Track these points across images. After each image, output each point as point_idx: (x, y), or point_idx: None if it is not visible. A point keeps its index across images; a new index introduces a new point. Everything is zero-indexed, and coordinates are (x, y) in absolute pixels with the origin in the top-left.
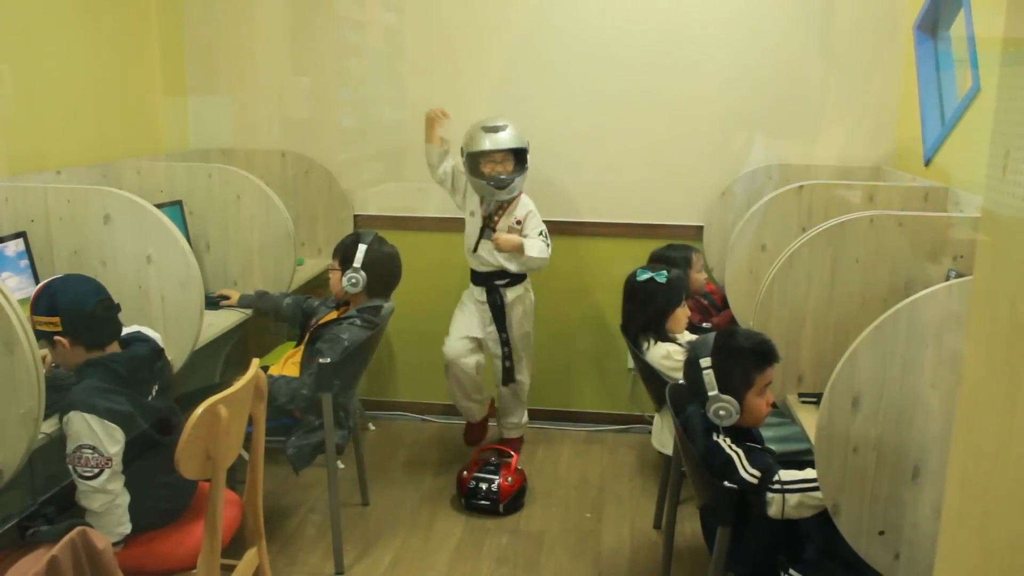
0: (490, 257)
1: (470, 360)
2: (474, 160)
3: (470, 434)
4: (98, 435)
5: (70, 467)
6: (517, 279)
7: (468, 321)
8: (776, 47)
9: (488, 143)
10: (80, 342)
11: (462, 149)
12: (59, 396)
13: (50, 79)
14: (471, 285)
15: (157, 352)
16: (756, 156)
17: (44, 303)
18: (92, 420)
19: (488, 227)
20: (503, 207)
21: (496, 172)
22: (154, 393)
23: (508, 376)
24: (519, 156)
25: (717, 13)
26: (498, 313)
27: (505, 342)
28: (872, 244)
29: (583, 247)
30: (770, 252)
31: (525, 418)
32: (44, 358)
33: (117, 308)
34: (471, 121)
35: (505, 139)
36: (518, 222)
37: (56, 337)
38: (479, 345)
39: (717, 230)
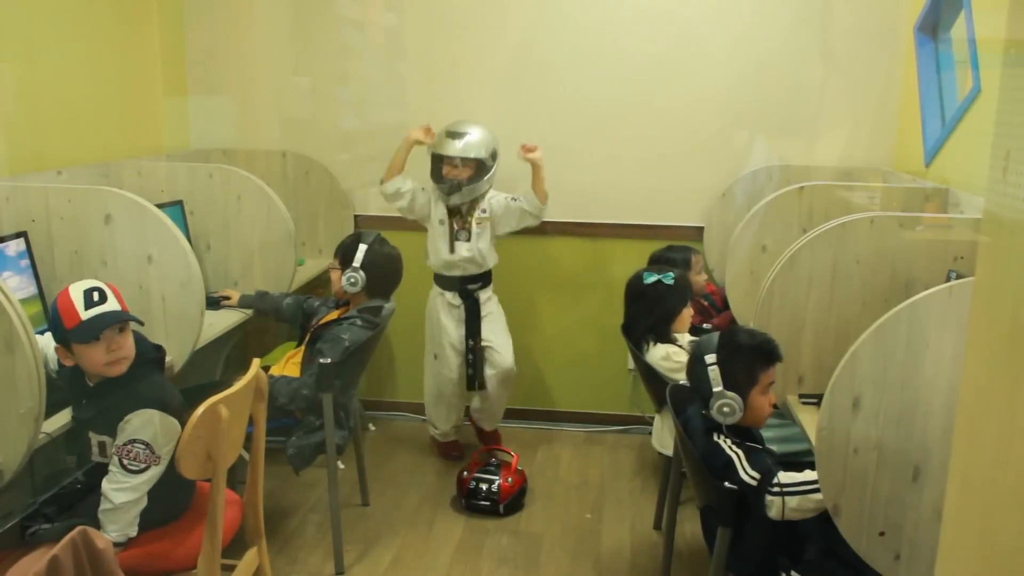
0: (468, 255)
1: (462, 382)
2: (437, 161)
3: (452, 449)
4: (159, 433)
5: (115, 458)
6: (487, 281)
7: (452, 334)
8: (777, 49)
9: (447, 147)
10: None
11: (428, 147)
12: (115, 396)
13: (51, 79)
14: (441, 292)
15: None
16: (757, 157)
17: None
18: (160, 418)
19: (462, 228)
20: (473, 204)
21: (452, 176)
22: None
23: (471, 383)
24: (479, 165)
25: (718, 15)
26: (472, 318)
27: (471, 348)
28: (873, 245)
29: (583, 248)
30: (771, 253)
31: (502, 410)
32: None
33: None
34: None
35: (461, 147)
36: (483, 211)
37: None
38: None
39: (717, 231)
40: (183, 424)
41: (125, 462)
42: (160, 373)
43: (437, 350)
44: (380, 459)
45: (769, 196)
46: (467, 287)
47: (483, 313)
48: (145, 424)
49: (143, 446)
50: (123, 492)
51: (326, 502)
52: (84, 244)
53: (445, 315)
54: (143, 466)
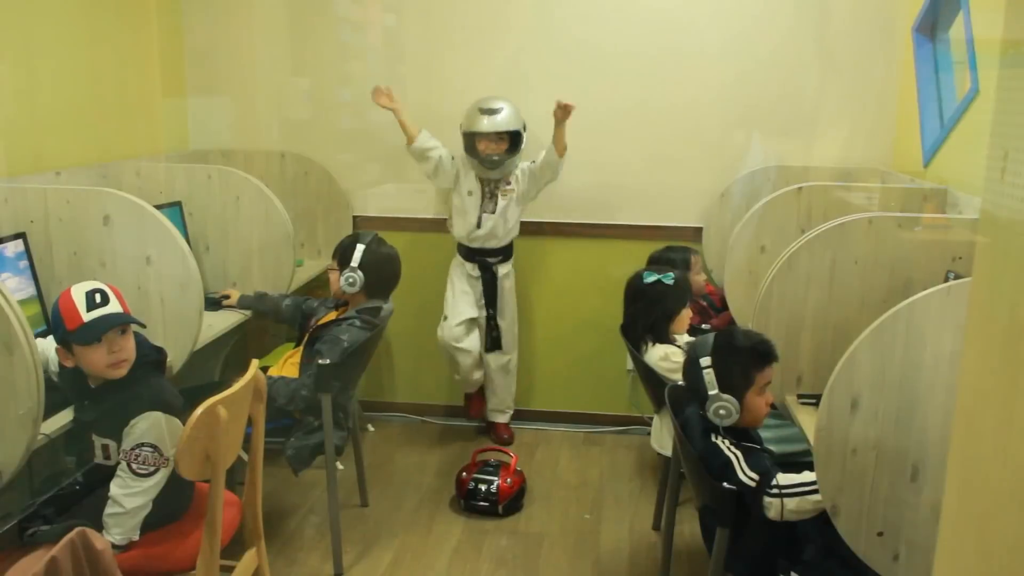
0: (493, 227)
1: (469, 343)
2: (470, 139)
3: (473, 407)
4: (165, 435)
5: (123, 463)
6: (507, 256)
7: (466, 301)
8: (775, 49)
9: (482, 124)
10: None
11: (461, 126)
12: (117, 399)
13: (50, 80)
14: (463, 261)
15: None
16: (755, 158)
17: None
18: (165, 420)
19: (491, 199)
20: (504, 176)
21: (489, 152)
22: None
23: (494, 343)
24: (514, 136)
25: (716, 16)
26: (490, 289)
27: (491, 316)
28: (871, 246)
29: (582, 248)
30: (769, 253)
31: (512, 401)
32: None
33: None
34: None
35: (499, 121)
36: (508, 183)
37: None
38: (475, 323)
39: (716, 231)
40: (183, 420)
41: (134, 466)
42: (161, 375)
43: (448, 311)
44: (379, 460)
45: (767, 196)
46: (487, 260)
47: (499, 287)
48: (151, 427)
49: (151, 449)
50: (135, 496)
51: (325, 503)
52: (83, 245)
53: (462, 283)
54: (152, 469)
